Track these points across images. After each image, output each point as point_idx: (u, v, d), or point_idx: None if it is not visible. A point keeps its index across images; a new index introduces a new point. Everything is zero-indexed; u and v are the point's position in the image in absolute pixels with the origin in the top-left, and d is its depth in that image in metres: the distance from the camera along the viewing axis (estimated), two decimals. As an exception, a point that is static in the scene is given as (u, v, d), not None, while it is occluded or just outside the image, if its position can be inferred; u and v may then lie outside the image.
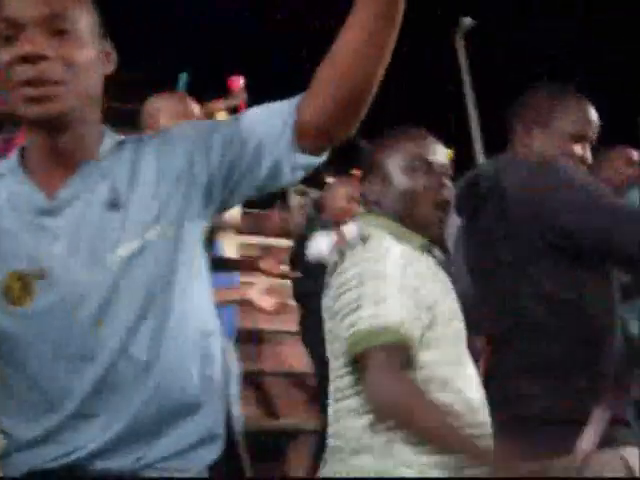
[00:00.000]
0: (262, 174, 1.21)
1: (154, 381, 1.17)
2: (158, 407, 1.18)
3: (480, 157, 9.08)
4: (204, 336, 1.24)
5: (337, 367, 1.61)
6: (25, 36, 1.11)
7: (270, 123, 1.19)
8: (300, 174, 1.22)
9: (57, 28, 1.12)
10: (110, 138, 1.24)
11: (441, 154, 1.72)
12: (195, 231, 1.24)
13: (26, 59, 1.10)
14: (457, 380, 1.53)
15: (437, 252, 1.69)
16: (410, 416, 1.45)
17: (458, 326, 1.60)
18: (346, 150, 1.69)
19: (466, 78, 9.58)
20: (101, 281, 1.16)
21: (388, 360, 1.46)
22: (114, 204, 1.18)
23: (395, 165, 1.68)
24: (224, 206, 1.27)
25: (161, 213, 1.19)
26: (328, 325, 1.65)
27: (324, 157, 1.23)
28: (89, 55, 1.15)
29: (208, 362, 1.25)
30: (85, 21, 1.16)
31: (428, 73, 10.43)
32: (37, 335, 1.16)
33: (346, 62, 1.14)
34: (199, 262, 1.26)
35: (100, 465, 1.15)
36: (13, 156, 1.23)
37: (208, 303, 1.28)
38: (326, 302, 1.65)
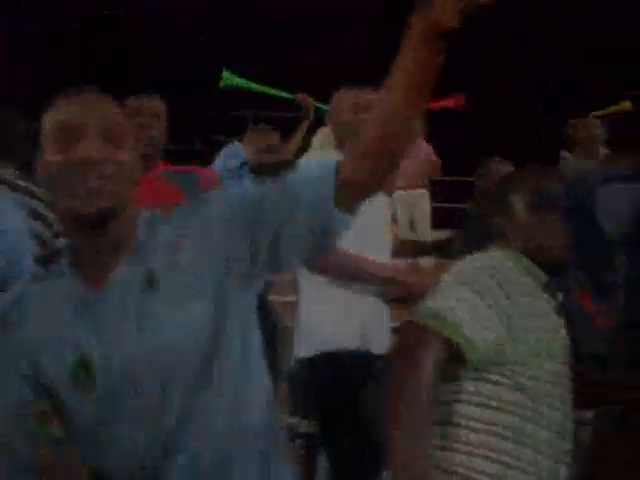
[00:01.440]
0: (310, 238, 1.28)
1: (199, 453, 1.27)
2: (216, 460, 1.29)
3: None
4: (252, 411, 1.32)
5: None
6: (84, 142, 1.25)
7: (314, 187, 1.27)
8: (342, 231, 1.29)
9: (107, 135, 1.26)
10: (144, 219, 1.34)
11: None
12: (241, 302, 1.32)
13: (84, 162, 1.23)
14: (528, 423, 1.58)
15: (559, 296, 1.72)
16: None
17: (553, 367, 1.63)
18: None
19: None
20: (150, 359, 1.26)
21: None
22: (151, 285, 1.28)
23: (520, 200, 1.73)
24: (276, 270, 1.34)
25: (202, 289, 1.28)
26: None
27: (356, 213, 1.30)
28: (129, 155, 1.29)
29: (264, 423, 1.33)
30: (124, 127, 1.31)
31: None
32: (103, 419, 1.27)
33: (376, 133, 1.24)
34: (248, 333, 1.34)
35: None
36: (64, 257, 1.35)
37: (259, 370, 1.36)
38: None
